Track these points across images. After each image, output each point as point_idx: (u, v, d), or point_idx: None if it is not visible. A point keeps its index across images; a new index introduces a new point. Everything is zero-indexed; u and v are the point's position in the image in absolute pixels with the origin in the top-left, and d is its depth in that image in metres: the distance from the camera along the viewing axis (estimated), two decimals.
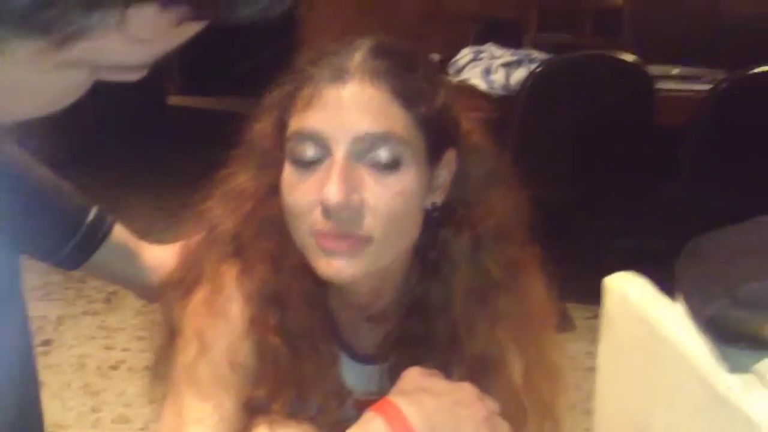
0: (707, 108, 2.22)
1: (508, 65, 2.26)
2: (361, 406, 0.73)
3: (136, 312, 2.10)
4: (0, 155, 0.75)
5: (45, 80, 0.36)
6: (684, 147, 2.29)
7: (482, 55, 2.36)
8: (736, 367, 0.66)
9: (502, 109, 2.27)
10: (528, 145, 2.24)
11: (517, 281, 0.73)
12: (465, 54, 2.41)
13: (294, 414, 0.69)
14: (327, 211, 0.63)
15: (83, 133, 4.31)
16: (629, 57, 2.22)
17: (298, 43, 3.47)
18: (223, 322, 0.70)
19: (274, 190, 0.70)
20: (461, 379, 0.70)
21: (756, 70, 2.25)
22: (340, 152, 0.64)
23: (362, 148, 0.64)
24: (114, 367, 1.86)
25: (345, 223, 0.63)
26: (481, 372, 0.72)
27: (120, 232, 0.84)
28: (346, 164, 0.64)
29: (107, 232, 0.82)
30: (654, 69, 2.60)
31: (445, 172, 0.71)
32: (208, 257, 0.73)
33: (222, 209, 0.73)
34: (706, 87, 2.45)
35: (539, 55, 2.35)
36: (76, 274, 0.87)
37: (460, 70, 2.38)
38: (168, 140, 5.29)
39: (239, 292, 0.70)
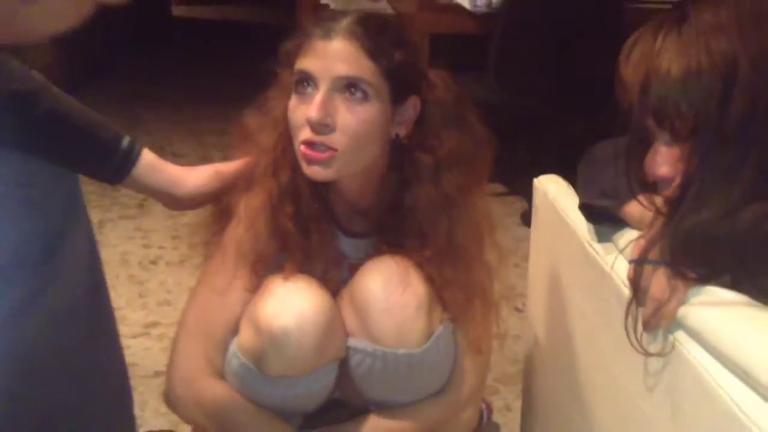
0: None
1: None
2: (353, 268, 1.05)
3: (167, 216, 2.42)
4: (44, 99, 0.99)
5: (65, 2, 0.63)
6: None
7: None
8: (602, 238, 0.97)
9: (486, 25, 2.50)
10: (508, 57, 2.48)
11: (466, 199, 1.03)
12: None
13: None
14: (310, 124, 0.93)
15: (93, 50, 4.45)
16: None
17: None
18: (261, 212, 1.01)
19: None
20: (430, 260, 1.01)
21: None
22: (323, 87, 0.94)
23: (339, 86, 0.94)
24: (153, 262, 2.20)
25: (320, 134, 0.93)
26: (444, 259, 1.02)
27: (148, 155, 1.08)
28: (327, 96, 0.94)
29: (137, 154, 1.06)
30: None
31: (410, 112, 1.00)
32: (260, 165, 1.03)
33: (266, 132, 1.03)
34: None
35: None
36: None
37: None
38: (175, 51, 5.47)
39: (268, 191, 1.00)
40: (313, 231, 1.01)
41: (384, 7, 3.16)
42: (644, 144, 0.83)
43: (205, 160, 3.06)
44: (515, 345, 1.78)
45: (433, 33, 2.58)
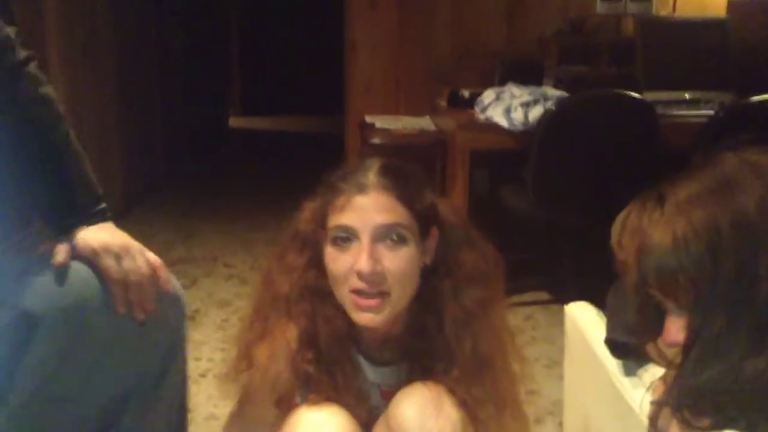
0: (705, 134, 2.49)
1: (526, 104, 2.58)
2: (386, 395, 1.10)
3: (217, 327, 2.51)
4: None
5: None
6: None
7: (503, 95, 2.69)
8: (627, 372, 1.01)
9: (522, 142, 2.59)
10: (546, 173, 2.56)
11: (486, 312, 1.08)
12: (489, 94, 2.74)
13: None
14: (361, 276, 1.00)
15: (153, 163, 4.64)
16: (631, 92, 2.52)
17: (343, 72, 3.84)
18: (279, 357, 1.07)
19: (311, 265, 1.07)
20: (459, 381, 1.06)
21: (754, 99, 2.50)
22: (366, 238, 1.01)
23: (380, 234, 1.01)
24: (203, 375, 2.27)
25: (373, 283, 1.00)
26: (472, 376, 1.07)
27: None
28: (371, 245, 1.01)
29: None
30: (665, 95, 2.88)
31: (431, 242, 1.08)
32: (272, 313, 1.09)
33: (280, 279, 1.10)
34: (711, 113, 2.71)
35: (553, 93, 2.67)
36: None
37: (485, 109, 2.71)
38: (230, 162, 5.71)
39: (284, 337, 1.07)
40: (337, 373, 1.07)
41: (427, 124, 3.32)
42: (652, 305, 0.87)
43: (254, 270, 3.19)
44: None
45: (474, 150, 2.70)
